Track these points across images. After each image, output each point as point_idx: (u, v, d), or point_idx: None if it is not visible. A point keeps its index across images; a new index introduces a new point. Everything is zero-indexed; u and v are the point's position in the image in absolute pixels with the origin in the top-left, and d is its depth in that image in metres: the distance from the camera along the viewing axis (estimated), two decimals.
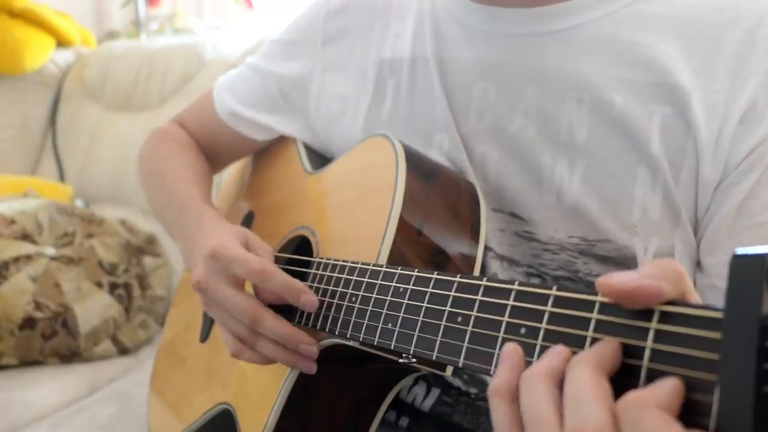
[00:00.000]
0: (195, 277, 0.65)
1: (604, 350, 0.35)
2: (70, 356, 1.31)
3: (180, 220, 0.80)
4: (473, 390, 0.71)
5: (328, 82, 0.84)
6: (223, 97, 0.93)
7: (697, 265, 0.65)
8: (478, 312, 0.45)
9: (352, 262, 0.60)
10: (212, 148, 0.97)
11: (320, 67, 0.85)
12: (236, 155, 0.99)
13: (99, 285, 1.36)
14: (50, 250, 1.35)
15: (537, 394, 0.35)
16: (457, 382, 0.72)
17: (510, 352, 0.39)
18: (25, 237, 1.35)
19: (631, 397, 0.32)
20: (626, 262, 0.64)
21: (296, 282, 0.62)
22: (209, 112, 0.94)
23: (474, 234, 0.64)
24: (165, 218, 0.88)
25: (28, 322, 1.26)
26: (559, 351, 0.37)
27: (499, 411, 0.38)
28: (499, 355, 0.42)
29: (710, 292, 0.63)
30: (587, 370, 0.34)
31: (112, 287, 1.38)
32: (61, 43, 2.01)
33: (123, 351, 1.38)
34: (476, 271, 0.63)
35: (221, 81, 0.96)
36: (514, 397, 0.38)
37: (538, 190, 0.66)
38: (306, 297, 0.61)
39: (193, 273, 0.67)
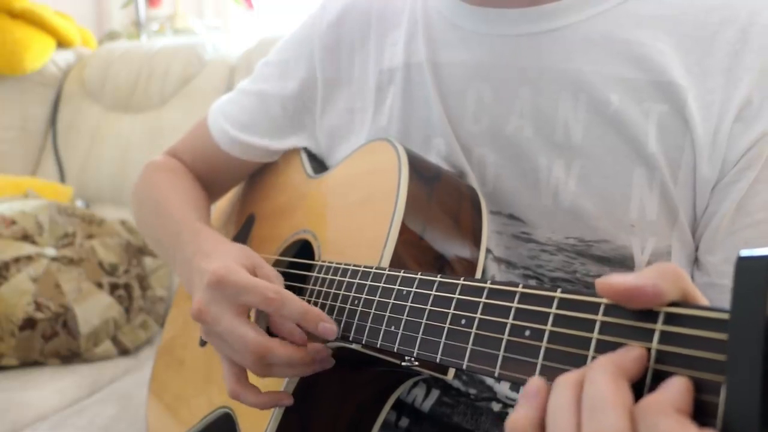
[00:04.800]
0: (195, 306, 0.61)
1: (627, 355, 0.35)
2: (71, 357, 1.31)
3: (176, 244, 0.76)
4: (473, 391, 0.71)
5: (331, 95, 0.83)
6: (220, 125, 0.91)
7: (695, 263, 0.65)
8: (482, 314, 0.45)
9: (355, 265, 0.60)
10: (210, 176, 0.95)
11: (321, 80, 0.84)
12: (235, 180, 0.98)
13: (99, 286, 1.36)
14: (50, 251, 1.35)
15: (560, 399, 0.35)
16: (456, 383, 0.72)
17: (534, 389, 0.37)
18: (26, 238, 1.35)
19: (646, 402, 0.32)
20: (624, 262, 0.64)
21: (314, 309, 0.59)
22: (206, 140, 0.92)
23: (476, 239, 0.64)
24: (161, 245, 0.86)
25: (29, 323, 1.26)
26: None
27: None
28: (503, 357, 0.42)
29: (710, 291, 0.63)
30: (606, 374, 0.34)
31: (113, 288, 1.38)
32: (62, 43, 2.01)
33: (123, 351, 1.38)
34: (478, 276, 0.63)
35: (215, 108, 0.93)
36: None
37: (535, 192, 0.66)
38: (324, 325, 0.58)
39: (193, 300, 0.62)
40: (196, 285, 0.64)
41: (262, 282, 0.59)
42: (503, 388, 0.70)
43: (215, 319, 0.60)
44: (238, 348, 0.59)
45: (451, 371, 0.58)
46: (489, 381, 0.71)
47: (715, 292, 0.62)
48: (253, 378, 0.63)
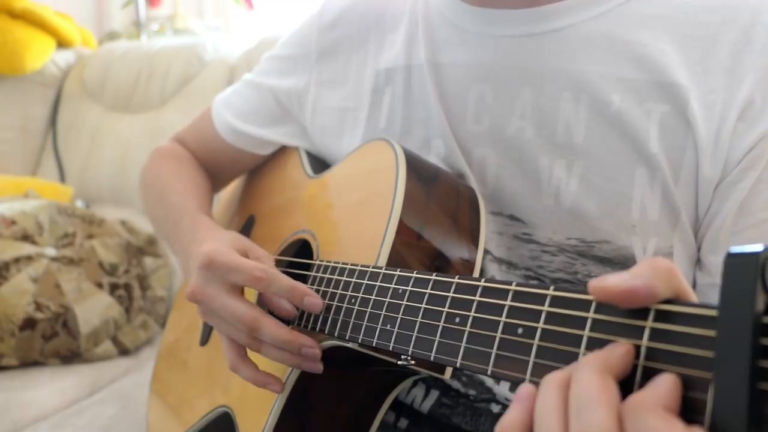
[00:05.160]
0: (190, 287, 0.63)
1: (613, 352, 0.35)
2: (71, 357, 1.31)
3: (176, 232, 0.79)
4: (472, 392, 0.71)
5: (324, 95, 0.84)
6: (221, 114, 0.93)
7: (698, 264, 0.65)
8: (475, 313, 0.45)
9: (352, 264, 0.60)
10: (213, 164, 0.97)
11: (315, 81, 0.85)
12: (237, 171, 1.00)
13: (99, 286, 1.36)
14: (51, 251, 1.35)
15: (548, 399, 0.35)
16: (456, 384, 0.72)
17: (525, 393, 0.38)
18: (26, 238, 1.36)
19: (633, 400, 0.32)
20: (625, 262, 0.64)
21: (299, 284, 0.61)
22: (208, 129, 0.95)
23: (474, 238, 0.64)
24: (163, 232, 0.88)
25: (29, 323, 1.26)
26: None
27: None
28: (496, 354, 0.42)
29: (713, 291, 0.63)
30: (592, 372, 0.34)
31: (113, 288, 1.38)
32: (62, 43, 2.02)
33: (123, 352, 1.39)
34: (475, 275, 0.63)
35: (219, 98, 0.96)
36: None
37: (536, 192, 0.66)
38: (309, 299, 0.60)
39: (188, 283, 0.65)
40: (191, 269, 0.66)
41: (250, 262, 0.62)
42: (503, 390, 0.70)
43: (210, 299, 0.62)
44: (232, 322, 0.61)
45: (449, 370, 0.58)
46: (489, 382, 0.71)
47: (717, 293, 0.62)
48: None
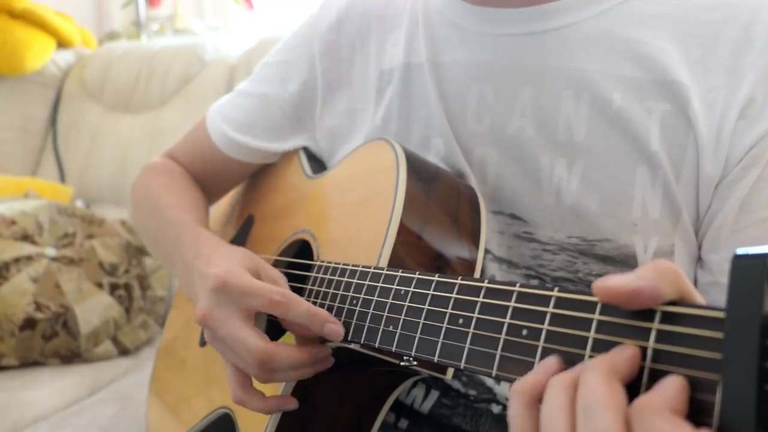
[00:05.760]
0: (199, 311, 0.60)
1: (620, 355, 0.35)
2: (71, 357, 1.31)
3: (176, 247, 0.75)
4: (472, 392, 0.71)
5: (331, 98, 0.83)
6: (219, 126, 0.90)
7: (699, 262, 0.65)
8: (479, 314, 0.45)
9: (353, 265, 0.60)
10: (208, 177, 0.94)
11: (321, 83, 0.83)
12: (235, 182, 0.98)
13: (99, 286, 1.36)
14: (51, 251, 1.35)
15: (555, 401, 0.35)
16: (456, 384, 0.71)
17: (549, 362, 0.38)
18: (26, 238, 1.36)
19: (640, 403, 0.32)
20: (626, 261, 0.64)
21: (320, 311, 0.58)
22: (204, 142, 0.92)
23: (474, 238, 0.64)
24: (159, 247, 0.85)
25: (29, 323, 1.26)
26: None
27: (514, 411, 0.37)
28: (501, 356, 0.42)
29: (714, 290, 0.63)
30: (599, 376, 0.34)
31: (113, 288, 1.38)
32: (62, 43, 2.02)
33: (123, 352, 1.39)
34: (476, 276, 0.63)
35: (214, 110, 0.93)
36: (532, 401, 0.37)
37: (537, 191, 0.66)
38: (330, 326, 0.57)
39: (197, 306, 0.62)
40: (198, 289, 0.64)
41: (267, 285, 0.59)
42: (503, 390, 0.70)
43: (219, 324, 0.59)
44: (241, 353, 0.58)
45: (450, 370, 0.58)
46: (489, 382, 0.70)
47: (718, 292, 0.62)
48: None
